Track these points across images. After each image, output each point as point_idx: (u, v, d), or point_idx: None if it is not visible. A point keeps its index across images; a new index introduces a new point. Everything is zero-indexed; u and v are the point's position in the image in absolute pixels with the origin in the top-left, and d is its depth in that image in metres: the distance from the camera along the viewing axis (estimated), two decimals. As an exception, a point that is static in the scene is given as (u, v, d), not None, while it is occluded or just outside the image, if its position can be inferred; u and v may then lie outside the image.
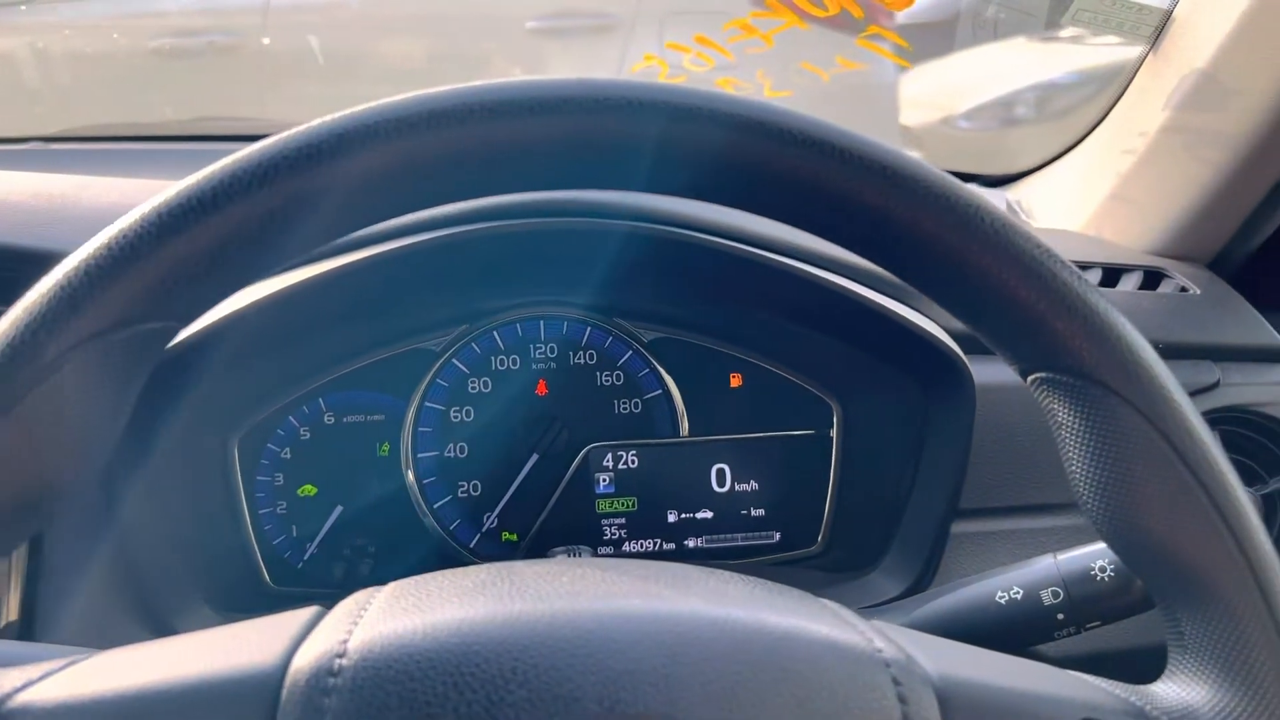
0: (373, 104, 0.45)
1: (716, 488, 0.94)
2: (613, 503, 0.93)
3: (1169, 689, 0.46)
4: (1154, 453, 0.45)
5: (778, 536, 0.94)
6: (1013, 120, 2.28)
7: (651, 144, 0.46)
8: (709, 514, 0.94)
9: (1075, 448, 0.47)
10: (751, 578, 0.49)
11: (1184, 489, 0.45)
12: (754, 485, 0.94)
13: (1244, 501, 0.46)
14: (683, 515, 0.94)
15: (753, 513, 0.94)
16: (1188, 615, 0.46)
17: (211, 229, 0.43)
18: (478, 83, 0.46)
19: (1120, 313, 0.46)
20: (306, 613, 0.44)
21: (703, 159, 0.46)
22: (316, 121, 0.45)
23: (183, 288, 0.44)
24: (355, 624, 0.41)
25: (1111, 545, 0.48)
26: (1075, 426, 0.46)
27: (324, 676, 0.39)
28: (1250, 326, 0.95)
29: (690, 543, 0.94)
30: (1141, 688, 0.46)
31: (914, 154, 0.49)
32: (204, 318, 0.73)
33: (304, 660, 0.40)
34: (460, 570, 0.47)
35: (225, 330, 0.74)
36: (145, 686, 0.39)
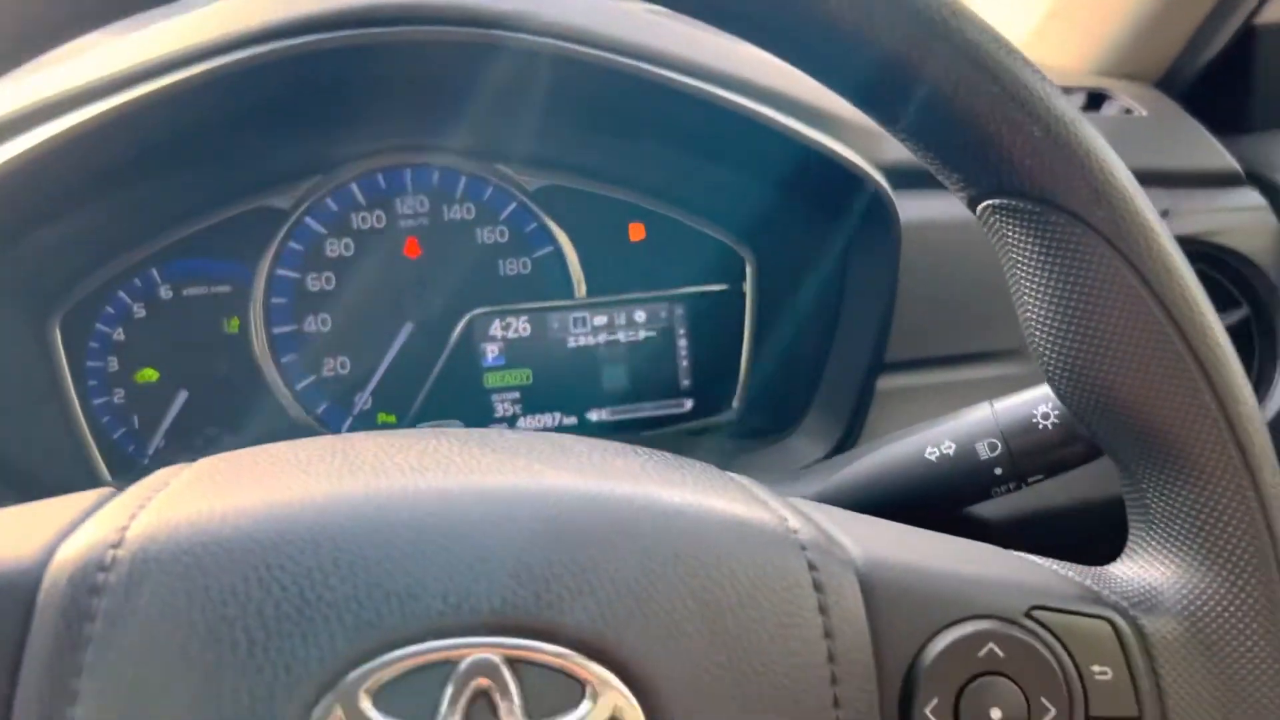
0: None
1: (620, 353, 0.84)
2: (503, 376, 0.83)
3: (1130, 569, 0.41)
4: (1125, 292, 0.38)
5: (690, 404, 0.85)
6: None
7: None
8: (613, 383, 0.84)
9: (1031, 287, 0.40)
10: (643, 449, 0.41)
11: (1159, 336, 0.38)
12: (662, 349, 0.84)
13: (1228, 354, 0.39)
14: (583, 386, 0.84)
15: (661, 379, 0.85)
16: (1154, 484, 0.40)
17: None
18: None
19: (1090, 124, 0.39)
20: (91, 495, 0.36)
21: None
22: None
23: None
24: (141, 507, 0.34)
25: (1068, 402, 0.41)
26: (1032, 261, 0.39)
27: (92, 571, 0.31)
28: (1201, 149, 0.86)
29: (593, 415, 0.84)
30: (1097, 569, 0.41)
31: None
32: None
33: (70, 552, 0.32)
34: (288, 443, 0.39)
35: (12, 179, 0.61)
36: None
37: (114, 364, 0.77)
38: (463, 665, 0.31)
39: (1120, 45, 0.90)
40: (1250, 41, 0.90)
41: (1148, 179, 0.82)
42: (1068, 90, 0.88)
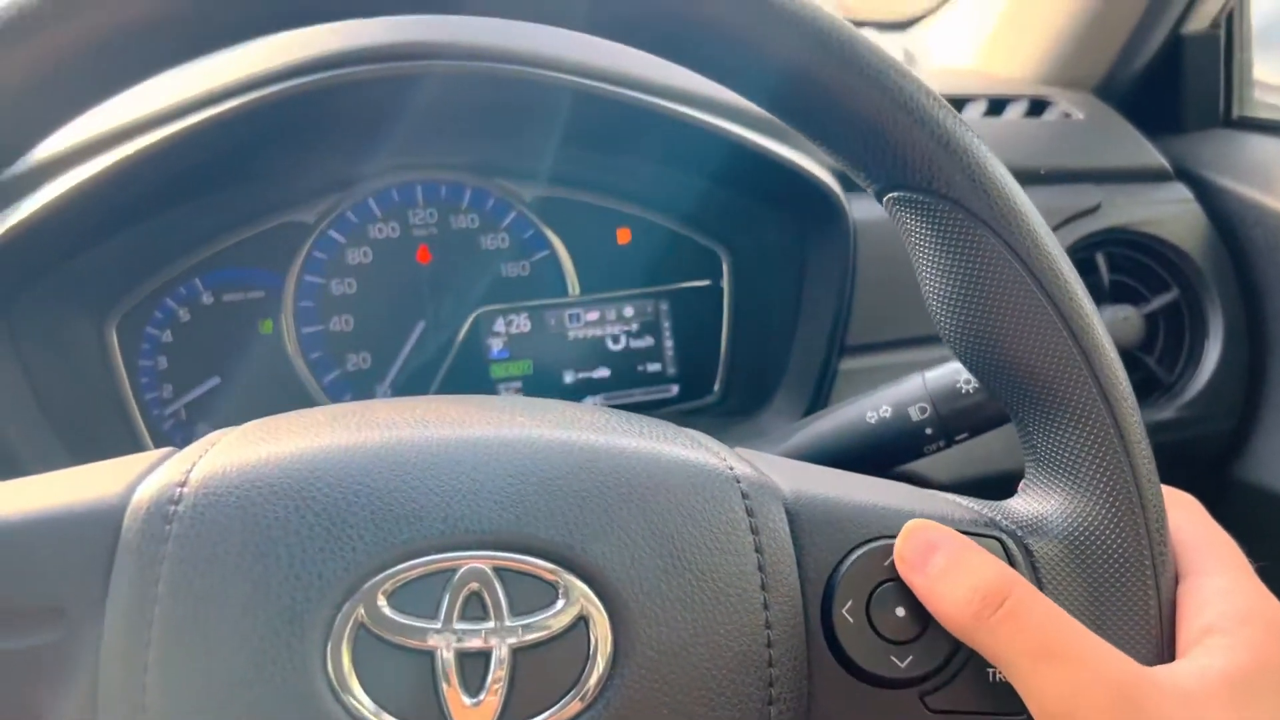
0: None
1: (611, 346, 0.93)
2: (507, 367, 0.92)
3: (1023, 502, 0.47)
4: (1002, 265, 0.44)
5: (676, 390, 0.95)
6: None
7: None
8: (606, 372, 0.93)
9: (927, 266, 0.46)
10: (615, 410, 0.48)
11: (1032, 300, 0.44)
12: (648, 341, 0.94)
13: (1090, 312, 0.45)
14: (580, 375, 0.93)
15: (649, 368, 0.94)
16: (1038, 427, 0.46)
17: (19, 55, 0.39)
18: None
19: (969, 127, 0.45)
20: (156, 453, 0.43)
21: None
22: None
23: None
24: (201, 457, 0.41)
25: (964, 362, 0.47)
26: (927, 245, 0.45)
27: (165, 505, 0.39)
28: (1133, 148, 0.94)
29: (589, 401, 0.93)
30: (995, 503, 0.47)
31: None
32: (49, 190, 0.71)
33: (146, 492, 0.39)
34: (317, 408, 0.47)
35: (72, 204, 0.71)
36: None
37: (163, 363, 0.87)
38: (459, 573, 0.38)
39: (1061, 54, 0.98)
40: (1178, 50, 0.98)
41: (1083, 176, 0.92)
42: (1012, 99, 0.97)
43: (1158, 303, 0.91)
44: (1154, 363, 0.92)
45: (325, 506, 0.39)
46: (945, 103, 0.46)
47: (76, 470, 0.43)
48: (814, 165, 0.82)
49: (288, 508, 0.39)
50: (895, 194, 0.46)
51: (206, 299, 0.87)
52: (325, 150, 0.84)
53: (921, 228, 0.45)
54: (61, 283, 0.79)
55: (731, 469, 0.44)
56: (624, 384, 0.94)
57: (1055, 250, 0.45)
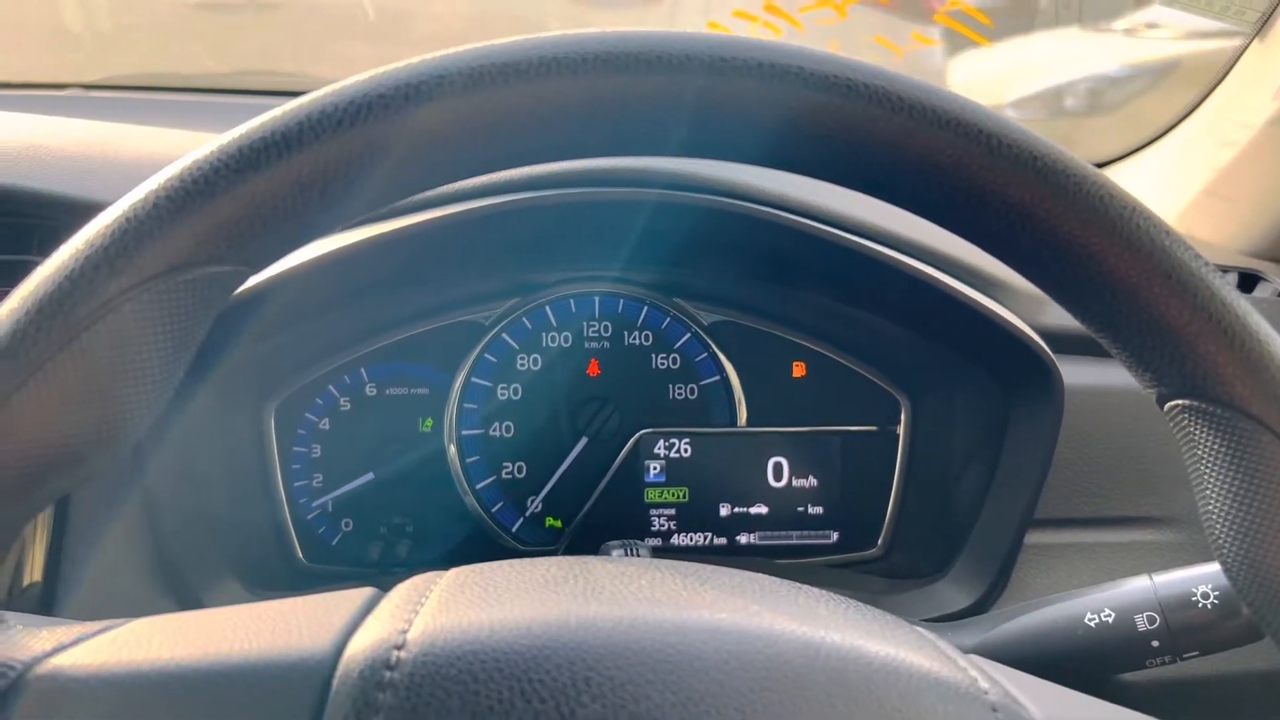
0: (476, 46, 0.40)
1: (773, 482, 0.89)
2: (662, 492, 0.88)
3: None
4: None
5: (835, 537, 0.89)
6: (1061, 111, 2.26)
7: (777, 111, 0.41)
8: (764, 509, 0.89)
9: (1215, 484, 0.42)
10: (843, 598, 0.45)
11: None
12: (812, 481, 0.89)
13: None
14: (736, 509, 0.89)
15: (810, 510, 0.89)
16: None
17: (296, 167, 0.39)
18: (597, 29, 0.41)
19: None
20: (361, 594, 0.40)
21: (827, 133, 0.41)
22: (414, 60, 0.40)
23: (259, 230, 0.40)
24: (415, 612, 0.38)
25: (1246, 595, 0.43)
26: (1218, 461, 0.42)
27: (380, 669, 0.35)
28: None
29: (742, 538, 0.89)
30: None
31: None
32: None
33: (359, 648, 0.36)
34: (529, 561, 0.43)
35: (264, 293, 0.69)
36: (185, 660, 0.36)
37: (317, 450, 0.84)
38: None
39: (1277, 228, 0.93)
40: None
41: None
42: (1222, 270, 0.91)
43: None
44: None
45: (553, 692, 0.35)
46: (1255, 311, 0.42)
47: (273, 608, 0.40)
48: (1021, 323, 0.78)
49: (511, 690, 0.35)
50: (1186, 402, 0.42)
51: (370, 390, 0.85)
52: (513, 258, 0.81)
53: (1213, 441, 0.42)
54: (231, 367, 0.77)
55: (985, 693, 0.40)
56: (782, 524, 0.89)
57: None
